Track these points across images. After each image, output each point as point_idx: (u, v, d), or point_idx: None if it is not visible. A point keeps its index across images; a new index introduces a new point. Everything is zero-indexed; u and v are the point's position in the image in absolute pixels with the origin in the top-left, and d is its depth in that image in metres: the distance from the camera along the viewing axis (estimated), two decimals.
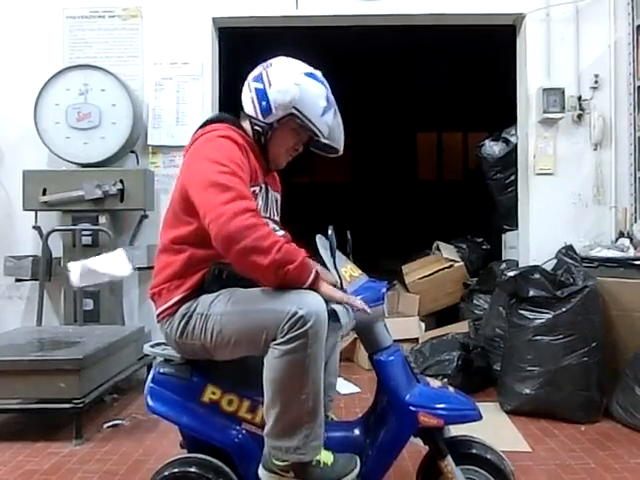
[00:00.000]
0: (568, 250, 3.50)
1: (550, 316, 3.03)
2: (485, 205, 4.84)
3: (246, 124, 1.88)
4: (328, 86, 1.86)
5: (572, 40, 3.92)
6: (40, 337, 3.33)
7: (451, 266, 4.58)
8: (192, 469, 1.79)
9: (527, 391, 3.04)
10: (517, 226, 4.23)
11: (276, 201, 1.98)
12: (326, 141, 1.89)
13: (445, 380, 3.14)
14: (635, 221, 3.80)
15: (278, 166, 1.97)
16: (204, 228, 1.66)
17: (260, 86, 1.81)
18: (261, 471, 1.74)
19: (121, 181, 3.73)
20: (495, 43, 4.66)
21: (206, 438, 1.81)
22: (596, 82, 3.89)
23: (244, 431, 1.81)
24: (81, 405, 2.78)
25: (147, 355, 2.22)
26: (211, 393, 1.82)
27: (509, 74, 4.28)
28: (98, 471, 2.50)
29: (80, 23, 4.05)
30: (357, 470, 1.75)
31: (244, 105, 1.87)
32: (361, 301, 1.73)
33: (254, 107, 1.83)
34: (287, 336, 1.62)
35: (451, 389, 1.91)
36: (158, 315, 1.84)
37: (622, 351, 3.07)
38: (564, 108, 3.84)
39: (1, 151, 4.06)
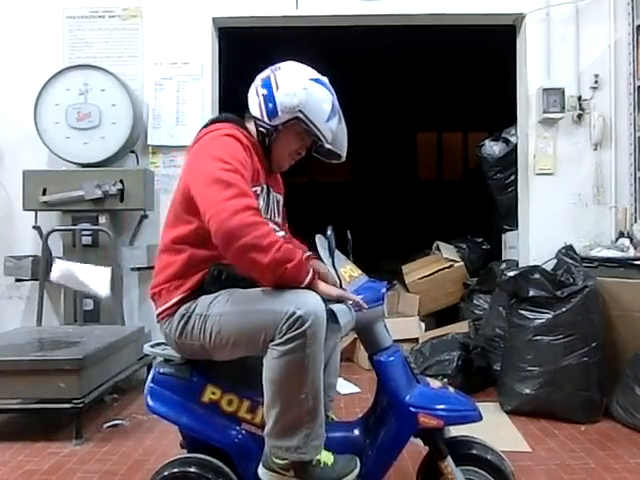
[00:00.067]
0: (568, 250, 3.50)
1: (550, 316, 3.03)
2: (485, 205, 4.84)
3: (251, 125, 1.89)
4: (334, 93, 1.88)
5: (572, 40, 3.92)
6: (40, 337, 3.33)
7: (451, 266, 4.58)
8: (192, 469, 1.79)
9: (527, 391, 3.04)
10: (517, 226, 4.23)
11: (278, 203, 1.99)
12: (329, 146, 1.90)
13: (445, 380, 3.14)
14: (635, 221, 3.80)
15: (280, 169, 1.98)
16: (204, 227, 1.66)
17: (267, 89, 1.82)
18: (261, 469, 1.74)
19: (121, 181, 3.73)
20: (495, 43, 4.66)
21: (206, 438, 1.81)
22: (596, 82, 3.89)
23: (244, 431, 1.81)
24: (81, 405, 2.78)
25: (147, 355, 2.22)
26: (211, 393, 1.82)
27: (509, 74, 4.28)
28: (98, 471, 2.50)
29: (80, 23, 4.05)
30: (357, 471, 1.75)
31: (250, 106, 1.88)
32: (357, 296, 1.74)
33: (260, 109, 1.84)
34: (285, 336, 1.62)
35: (451, 389, 1.91)
36: (158, 315, 1.85)
37: (622, 351, 3.07)
38: (564, 108, 3.84)
39: (1, 151, 4.06)
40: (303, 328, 1.61)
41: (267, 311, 1.66)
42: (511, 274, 3.21)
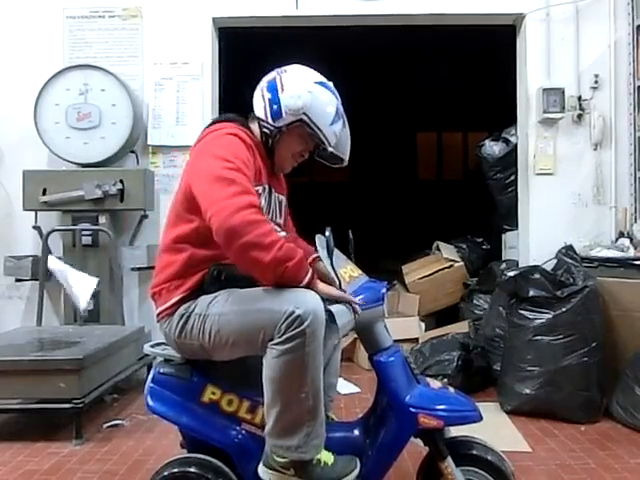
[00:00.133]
0: (568, 250, 3.50)
1: (550, 316, 3.03)
2: (485, 205, 4.84)
3: (254, 126, 1.90)
4: (339, 97, 1.89)
5: (572, 40, 3.92)
6: (40, 337, 3.33)
7: (451, 266, 4.58)
8: (192, 469, 1.79)
9: (527, 391, 3.04)
10: (517, 226, 4.23)
11: (280, 203, 1.99)
12: (332, 150, 1.91)
13: (445, 380, 3.15)
14: (635, 221, 3.80)
15: (283, 170, 1.99)
16: (205, 226, 1.66)
17: (273, 90, 1.83)
18: (261, 468, 1.74)
19: (121, 181, 3.73)
20: (495, 43, 4.66)
21: (206, 438, 1.81)
22: (596, 82, 3.89)
23: (244, 431, 1.81)
24: (81, 405, 2.78)
25: (147, 355, 2.22)
26: (211, 393, 1.82)
27: (509, 74, 4.28)
28: (98, 471, 2.50)
29: (80, 23, 4.05)
30: (357, 471, 1.76)
31: (255, 107, 1.89)
32: (356, 298, 1.74)
33: (265, 110, 1.84)
34: (285, 336, 1.63)
35: (451, 389, 1.91)
36: (158, 315, 1.85)
37: (622, 351, 3.07)
38: (564, 108, 3.84)
39: (1, 151, 4.05)
40: (302, 327, 1.61)
41: (266, 310, 1.66)
42: (511, 274, 3.21)
